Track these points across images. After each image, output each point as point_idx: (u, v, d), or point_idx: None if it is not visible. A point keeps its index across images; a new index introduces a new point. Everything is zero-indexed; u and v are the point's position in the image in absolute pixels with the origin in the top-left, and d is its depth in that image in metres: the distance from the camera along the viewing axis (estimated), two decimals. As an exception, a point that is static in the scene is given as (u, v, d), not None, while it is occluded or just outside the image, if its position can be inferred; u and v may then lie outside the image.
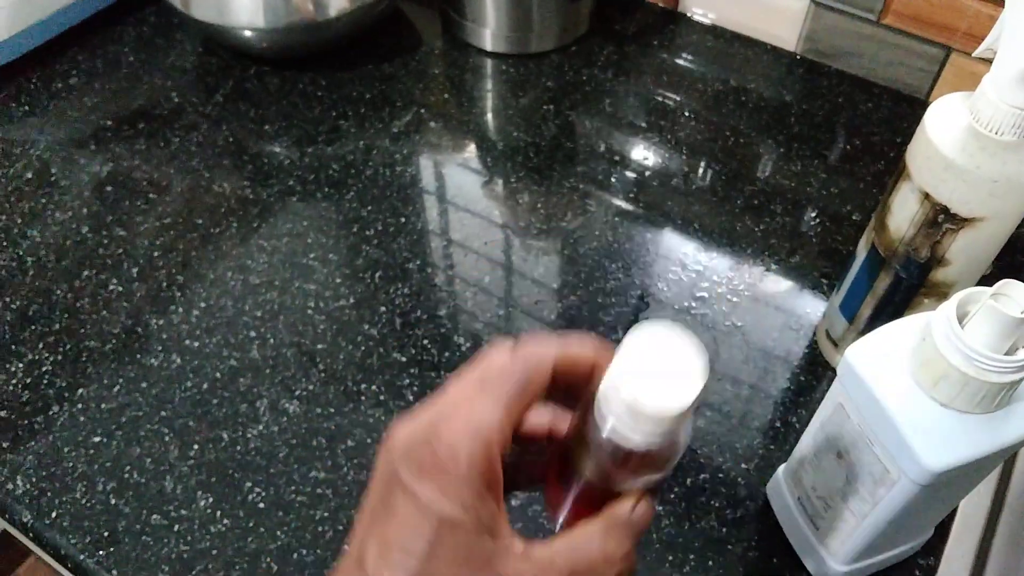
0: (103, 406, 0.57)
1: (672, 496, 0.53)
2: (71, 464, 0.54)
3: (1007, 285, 0.36)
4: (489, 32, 0.82)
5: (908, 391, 0.39)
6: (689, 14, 0.87)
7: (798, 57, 0.82)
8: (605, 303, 0.62)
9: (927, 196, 0.46)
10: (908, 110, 0.77)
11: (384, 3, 0.79)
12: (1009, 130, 0.43)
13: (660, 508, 0.52)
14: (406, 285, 0.63)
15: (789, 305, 0.63)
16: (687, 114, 0.77)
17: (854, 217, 0.68)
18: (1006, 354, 0.36)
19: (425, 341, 0.60)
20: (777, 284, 0.64)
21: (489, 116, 0.78)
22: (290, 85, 0.80)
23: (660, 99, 0.79)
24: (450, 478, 0.27)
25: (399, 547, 0.27)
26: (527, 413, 0.31)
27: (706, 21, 0.86)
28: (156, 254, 0.66)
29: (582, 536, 0.30)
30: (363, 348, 0.59)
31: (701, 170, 0.72)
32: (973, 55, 0.46)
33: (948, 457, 0.38)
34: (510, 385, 0.29)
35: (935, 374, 0.38)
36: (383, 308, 0.62)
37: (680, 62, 0.82)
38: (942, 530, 0.51)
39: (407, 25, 0.87)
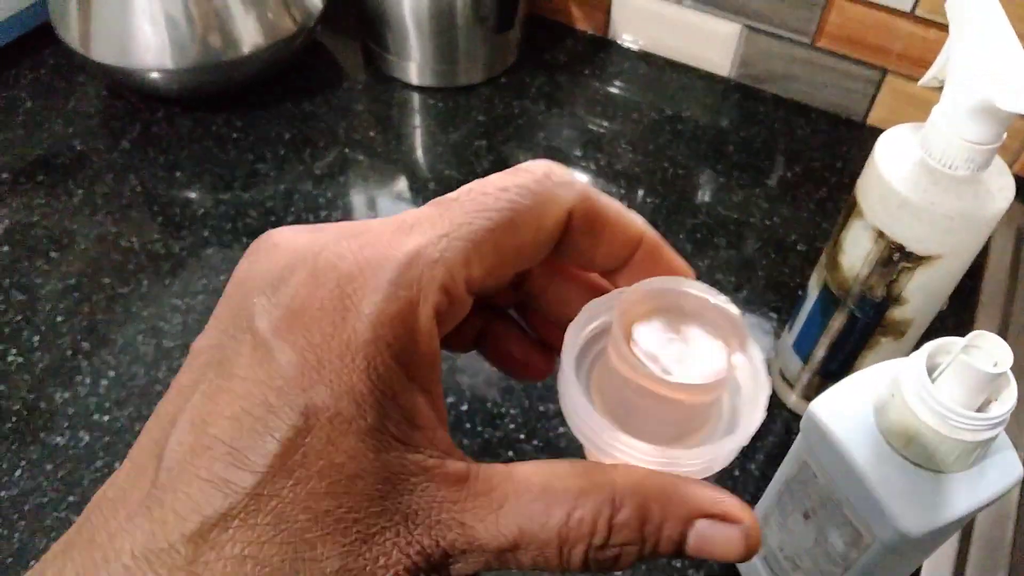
0: (3, 494, 0.51)
1: (630, 560, 0.49)
2: (-36, 566, 0.48)
3: (979, 337, 0.34)
4: (415, 65, 0.78)
5: (878, 451, 0.37)
6: (619, 41, 0.84)
7: (732, 83, 0.80)
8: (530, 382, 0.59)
9: (881, 234, 0.44)
10: (846, 133, 0.76)
11: (301, 37, 0.75)
12: (963, 164, 0.41)
13: (619, 574, 0.49)
14: (336, 341, 0.59)
15: (739, 343, 0.60)
16: (624, 145, 0.74)
17: (799, 247, 0.66)
18: (979, 410, 0.34)
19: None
20: (726, 321, 0.62)
21: (419, 153, 0.75)
22: (203, 127, 0.75)
23: (595, 129, 0.76)
24: (341, 342, 0.18)
25: (227, 449, 0.17)
26: (510, 269, 0.22)
27: (635, 48, 0.84)
28: (59, 319, 0.60)
29: (576, 487, 0.20)
30: (291, 414, 0.55)
31: (640, 202, 0.69)
32: (919, 84, 0.44)
33: (925, 520, 0.36)
34: (495, 214, 0.20)
35: (907, 433, 0.35)
36: (312, 368, 0.58)
37: (613, 90, 0.80)
38: (911, 576, 0.49)
39: (327, 60, 0.83)
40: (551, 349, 0.27)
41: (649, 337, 0.22)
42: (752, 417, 0.22)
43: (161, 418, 0.19)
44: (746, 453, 0.54)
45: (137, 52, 0.68)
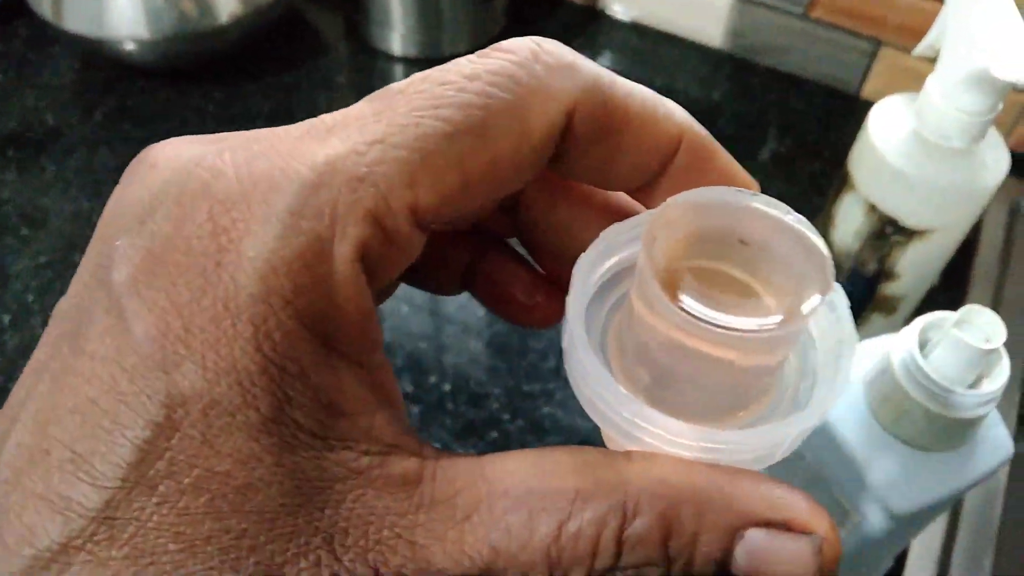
0: (-29, 477, 0.50)
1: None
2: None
3: (972, 311, 0.33)
4: (397, 35, 0.76)
5: (867, 428, 0.36)
6: (610, 12, 0.82)
7: (725, 55, 0.79)
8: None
9: (873, 208, 0.43)
10: (841, 106, 0.74)
11: (281, 6, 0.73)
12: (957, 135, 0.40)
13: None
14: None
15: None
16: (612, 117, 0.73)
17: (790, 222, 0.65)
18: (970, 387, 0.33)
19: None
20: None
21: (402, 126, 0.73)
22: (180, 99, 0.73)
23: (583, 102, 0.74)
24: (215, 300, 0.13)
25: (68, 455, 0.13)
26: (481, 192, 0.15)
27: (626, 19, 0.82)
28: (31, 299, 0.58)
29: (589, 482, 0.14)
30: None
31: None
32: (913, 54, 0.43)
33: (914, 500, 0.35)
34: (456, 113, 0.14)
35: (897, 410, 0.34)
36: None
37: (603, 62, 0.78)
38: (900, 557, 0.49)
39: (308, 30, 0.81)
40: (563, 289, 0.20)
41: (691, 273, 0.15)
42: (831, 387, 0.16)
43: (8, 409, 0.14)
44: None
45: (111, 21, 0.66)
